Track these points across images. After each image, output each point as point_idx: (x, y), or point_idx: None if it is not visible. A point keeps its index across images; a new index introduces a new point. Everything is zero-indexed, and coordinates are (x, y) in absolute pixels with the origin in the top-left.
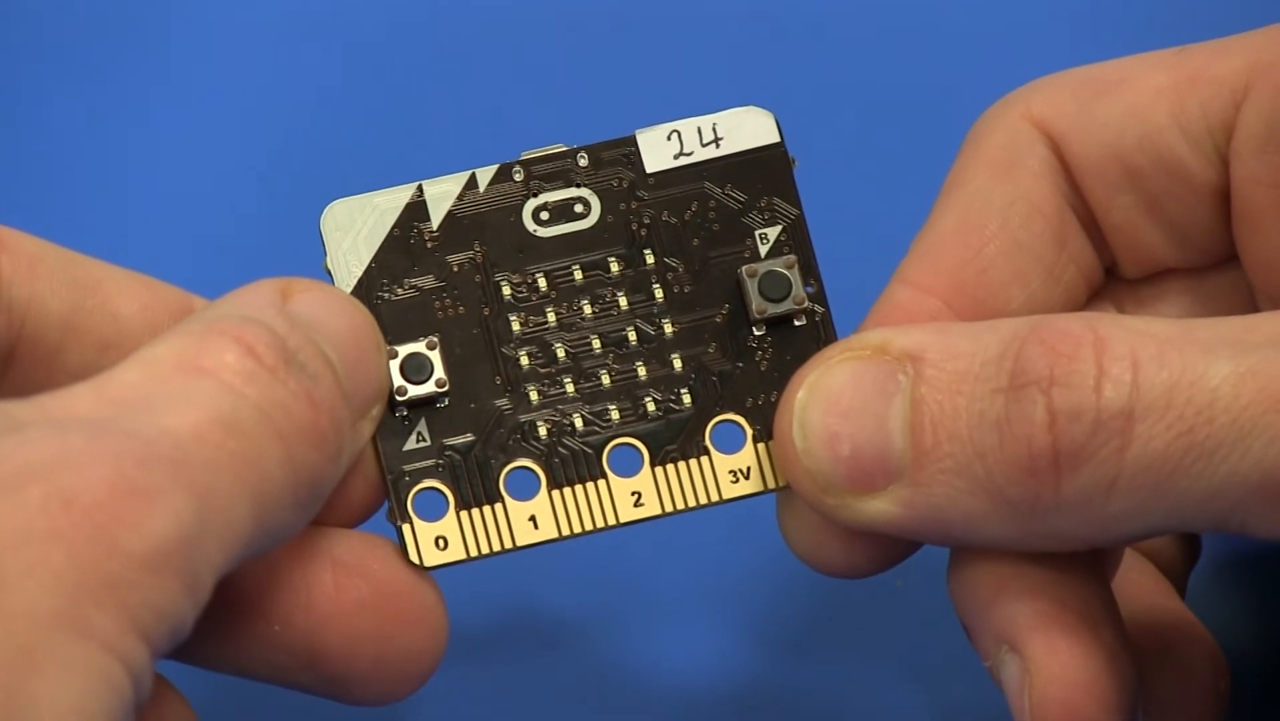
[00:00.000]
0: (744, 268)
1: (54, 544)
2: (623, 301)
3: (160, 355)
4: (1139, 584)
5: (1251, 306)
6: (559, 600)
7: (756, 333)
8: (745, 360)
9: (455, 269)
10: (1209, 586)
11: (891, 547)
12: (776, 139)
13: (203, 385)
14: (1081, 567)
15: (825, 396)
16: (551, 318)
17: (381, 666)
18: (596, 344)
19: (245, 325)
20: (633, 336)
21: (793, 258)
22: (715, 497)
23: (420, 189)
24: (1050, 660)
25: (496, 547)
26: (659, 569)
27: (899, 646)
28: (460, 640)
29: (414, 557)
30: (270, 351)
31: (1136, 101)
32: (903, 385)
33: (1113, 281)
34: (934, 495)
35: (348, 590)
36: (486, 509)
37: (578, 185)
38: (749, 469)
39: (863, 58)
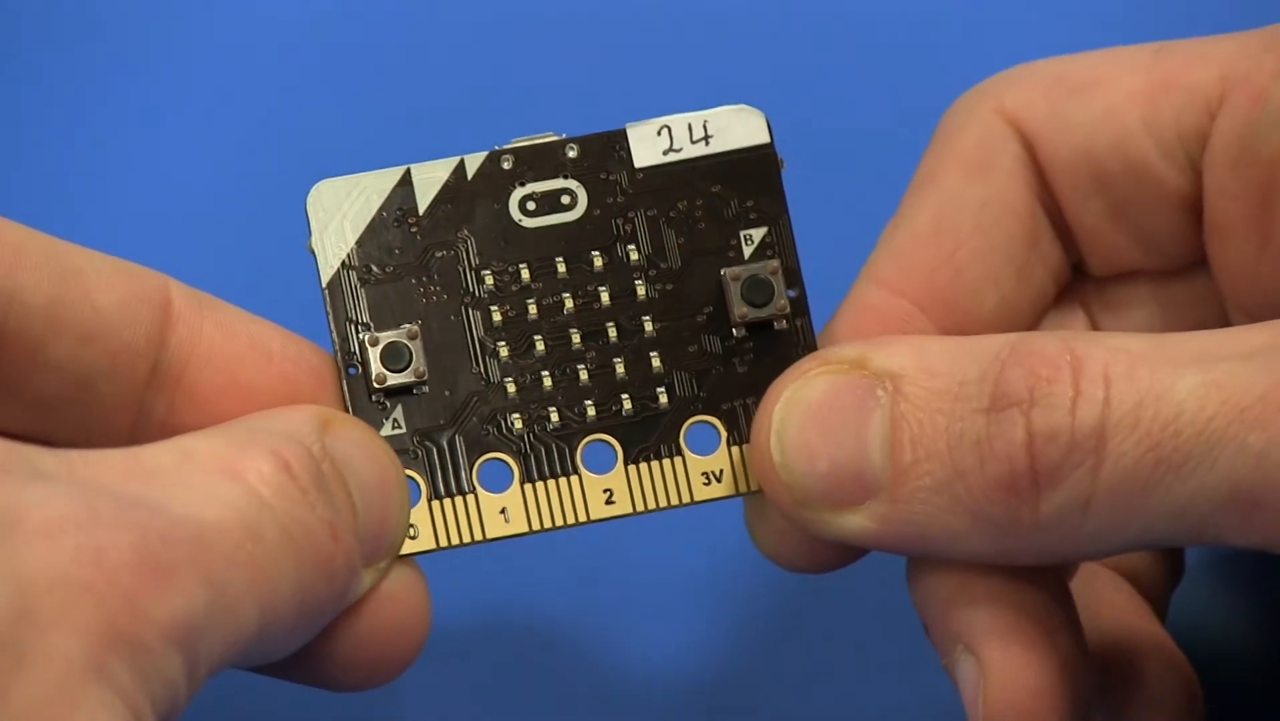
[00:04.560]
0: (726, 270)
1: (85, 594)
2: (605, 297)
3: (197, 449)
4: (1116, 605)
5: (1220, 312)
6: (537, 586)
7: (737, 335)
8: (724, 362)
9: (439, 255)
10: (1191, 604)
11: (851, 549)
12: (766, 140)
13: (232, 488)
14: (1041, 572)
15: (803, 411)
16: (532, 310)
17: (360, 649)
18: (576, 338)
19: (285, 442)
20: (613, 333)
21: (776, 263)
22: (686, 499)
23: (408, 172)
24: (1005, 666)
25: (466, 539)
26: (637, 553)
27: (883, 633)
28: (438, 632)
29: None
30: (305, 472)
31: (1109, 105)
32: (881, 401)
33: (1080, 279)
34: (912, 512)
35: None
36: (458, 499)
37: (566, 176)
38: (721, 471)
39: (853, 54)
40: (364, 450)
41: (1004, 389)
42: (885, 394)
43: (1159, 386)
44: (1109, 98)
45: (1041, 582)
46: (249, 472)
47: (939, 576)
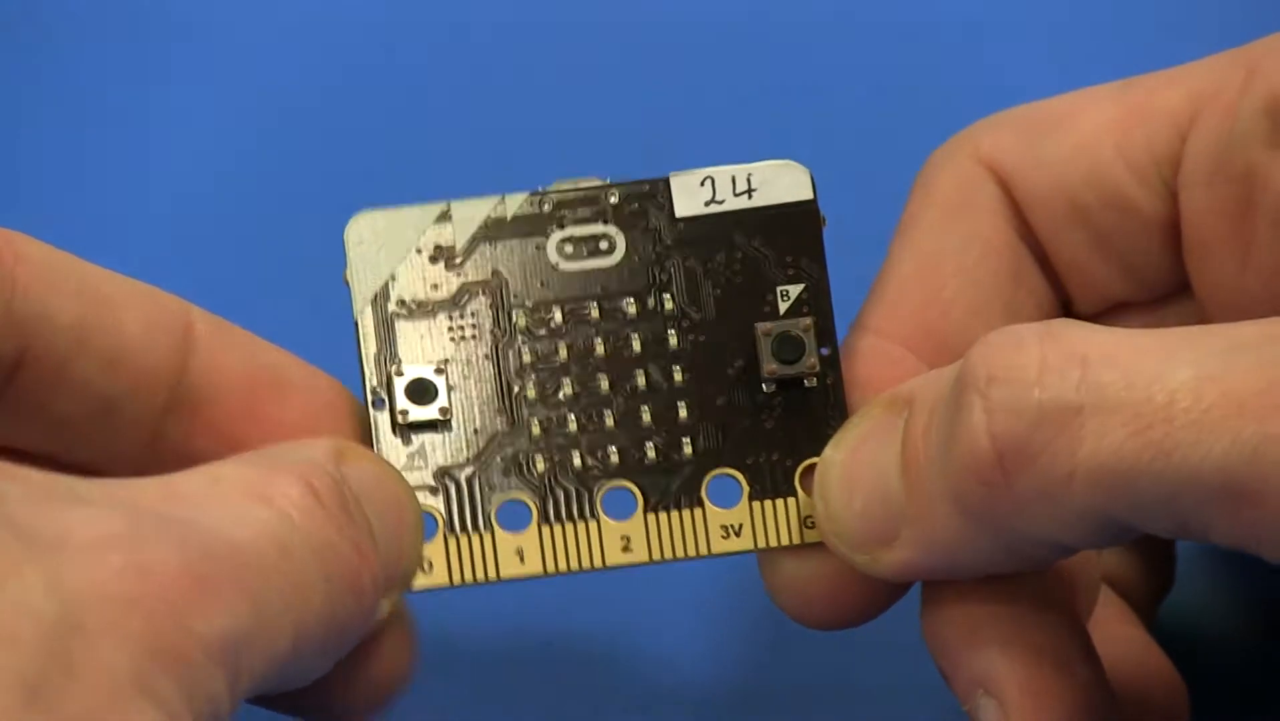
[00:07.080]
0: (759, 325)
1: (131, 609)
2: (636, 344)
3: (226, 475)
4: (1097, 611)
5: None
6: (535, 584)
7: (766, 390)
8: (752, 417)
9: (473, 293)
10: (1182, 607)
11: (874, 598)
12: (810, 196)
13: (263, 510)
14: (1054, 605)
15: (840, 458)
16: (563, 352)
17: (351, 680)
18: (604, 384)
19: (310, 467)
20: (641, 380)
21: (809, 320)
22: (704, 550)
23: (448, 208)
24: (1027, 704)
25: (480, 577)
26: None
27: (891, 637)
28: (437, 633)
29: None
30: (331, 495)
31: (1081, 137)
32: (899, 429)
33: (1070, 317)
34: (925, 527)
35: None
36: (475, 537)
37: (605, 221)
38: (741, 526)
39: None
40: (378, 481)
41: (965, 372)
42: (902, 420)
43: (1148, 372)
44: (1080, 131)
45: (1055, 614)
46: (278, 497)
47: (950, 618)
